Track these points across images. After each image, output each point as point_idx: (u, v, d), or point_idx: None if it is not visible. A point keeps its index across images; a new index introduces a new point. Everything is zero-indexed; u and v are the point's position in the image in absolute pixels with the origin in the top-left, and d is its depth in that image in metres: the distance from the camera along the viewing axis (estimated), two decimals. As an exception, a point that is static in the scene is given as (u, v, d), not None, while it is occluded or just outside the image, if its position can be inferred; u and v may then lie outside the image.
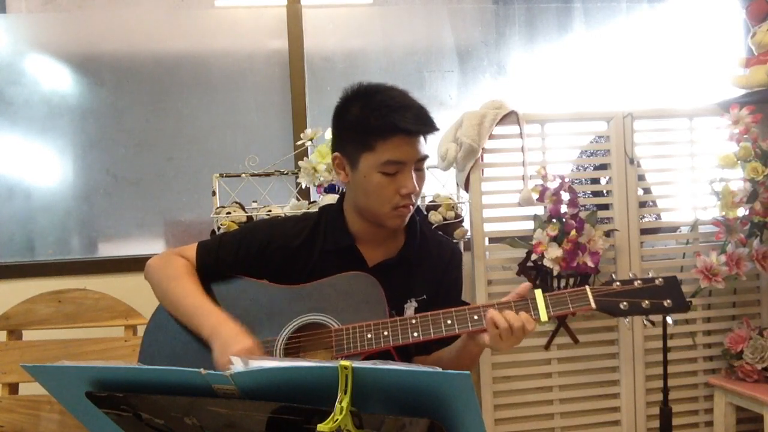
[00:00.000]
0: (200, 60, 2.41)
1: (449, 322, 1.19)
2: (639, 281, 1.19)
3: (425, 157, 1.26)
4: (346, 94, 1.28)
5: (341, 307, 1.23)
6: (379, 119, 1.20)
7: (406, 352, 1.34)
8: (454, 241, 1.97)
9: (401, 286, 1.31)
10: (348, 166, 1.27)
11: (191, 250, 1.34)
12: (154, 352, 1.28)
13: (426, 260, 1.35)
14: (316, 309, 1.23)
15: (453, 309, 1.20)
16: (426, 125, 1.24)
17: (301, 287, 1.27)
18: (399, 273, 1.32)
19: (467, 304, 1.45)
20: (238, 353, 1.09)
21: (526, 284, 1.21)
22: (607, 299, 1.18)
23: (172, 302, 1.27)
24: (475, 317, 1.18)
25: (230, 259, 1.31)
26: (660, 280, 1.18)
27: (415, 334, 1.18)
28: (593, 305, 1.18)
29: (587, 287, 1.20)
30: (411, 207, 1.27)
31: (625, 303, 1.17)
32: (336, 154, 1.29)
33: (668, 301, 1.17)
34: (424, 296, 1.33)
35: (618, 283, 1.19)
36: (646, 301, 1.17)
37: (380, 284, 1.24)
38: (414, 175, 1.23)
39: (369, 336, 1.18)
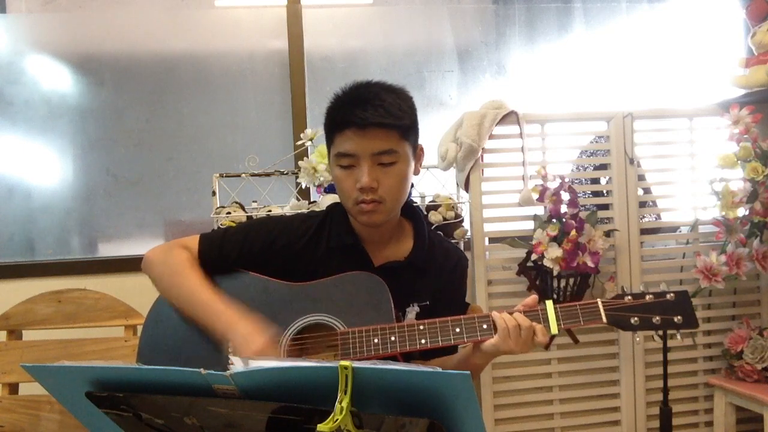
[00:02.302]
0: (200, 60, 2.41)
1: (458, 330, 1.17)
2: (650, 295, 1.18)
3: (387, 151, 1.19)
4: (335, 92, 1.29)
5: (347, 308, 1.21)
6: (334, 112, 1.23)
7: (411, 359, 1.34)
8: (454, 241, 1.97)
9: (405, 290, 1.30)
10: None
11: (193, 241, 1.31)
12: (154, 348, 1.26)
13: (432, 267, 1.34)
14: (321, 309, 1.22)
15: (462, 317, 1.18)
16: (379, 119, 1.17)
17: (306, 285, 1.25)
18: (405, 276, 1.30)
19: (467, 305, 1.46)
20: (263, 346, 1.12)
21: (534, 296, 1.20)
22: (618, 314, 1.17)
23: (177, 297, 1.24)
24: (484, 326, 1.17)
25: (234, 254, 1.29)
26: (671, 294, 1.17)
27: (423, 341, 1.17)
28: (604, 320, 1.17)
29: (599, 301, 1.18)
30: (378, 204, 1.22)
31: (636, 318, 1.17)
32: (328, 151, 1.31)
33: (679, 317, 1.16)
34: (427, 302, 1.32)
35: (629, 297, 1.18)
36: (657, 317, 1.16)
37: (385, 284, 1.23)
38: (376, 170, 1.20)
39: (376, 341, 1.17)
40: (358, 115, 1.18)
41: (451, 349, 1.30)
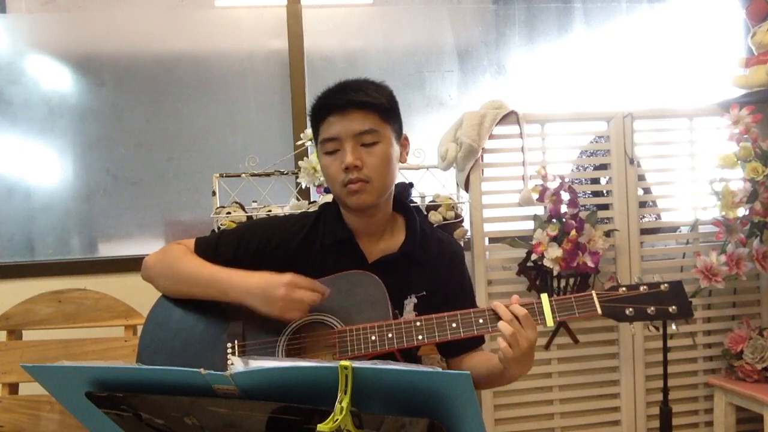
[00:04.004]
0: (200, 60, 2.41)
1: (454, 325, 1.18)
2: (645, 286, 1.17)
3: (368, 131, 1.23)
4: None
5: (344, 306, 1.22)
6: (316, 104, 1.27)
7: (409, 355, 1.34)
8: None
9: (401, 282, 1.30)
10: None
11: (189, 243, 1.34)
12: (153, 351, 1.26)
13: (426, 257, 1.35)
14: (318, 308, 1.22)
15: (458, 312, 1.19)
16: (355, 98, 1.22)
17: None
18: (399, 269, 1.31)
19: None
20: (286, 292, 1.15)
21: (515, 297, 1.19)
22: (612, 305, 1.17)
23: (184, 280, 1.26)
24: (480, 321, 1.17)
25: (229, 256, 1.30)
26: (665, 285, 1.17)
27: (420, 337, 1.17)
28: (599, 311, 1.16)
29: (593, 292, 1.18)
30: (365, 183, 1.24)
31: (630, 309, 1.16)
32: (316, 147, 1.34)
33: (673, 307, 1.16)
34: (424, 292, 1.33)
35: (624, 289, 1.18)
36: (652, 307, 1.16)
37: (381, 280, 1.23)
38: (360, 150, 1.22)
39: (373, 338, 1.17)
40: (339, 98, 1.23)
41: (468, 344, 1.31)
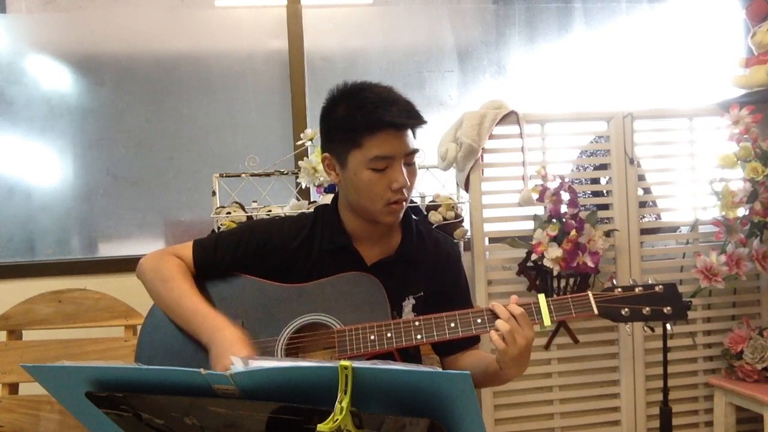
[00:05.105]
0: (200, 60, 2.41)
1: (453, 325, 1.19)
2: (640, 288, 1.20)
3: (415, 151, 1.24)
4: (331, 93, 1.27)
5: (343, 307, 1.23)
6: (365, 115, 1.19)
7: (408, 355, 1.34)
8: (454, 240, 1.97)
9: (399, 283, 1.31)
10: (337, 165, 1.27)
11: (186, 249, 1.32)
12: (152, 350, 1.27)
13: (423, 258, 1.35)
14: (318, 309, 1.23)
15: (456, 312, 1.20)
16: (413, 118, 1.22)
17: (302, 286, 1.26)
18: (397, 270, 1.32)
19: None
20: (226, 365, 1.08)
21: (515, 297, 1.21)
22: (609, 305, 1.19)
23: (167, 304, 1.26)
24: (479, 320, 1.19)
25: (228, 258, 1.30)
26: (660, 287, 1.20)
27: (419, 337, 1.18)
28: (595, 311, 1.19)
29: (590, 293, 1.20)
30: (404, 202, 1.25)
31: (626, 309, 1.19)
32: (325, 155, 1.29)
33: (668, 308, 1.19)
34: (422, 293, 1.33)
35: (619, 290, 1.20)
36: (647, 308, 1.19)
37: (380, 283, 1.24)
38: (404, 170, 1.22)
39: (372, 337, 1.18)
40: (398, 116, 1.19)
41: (462, 343, 1.32)
